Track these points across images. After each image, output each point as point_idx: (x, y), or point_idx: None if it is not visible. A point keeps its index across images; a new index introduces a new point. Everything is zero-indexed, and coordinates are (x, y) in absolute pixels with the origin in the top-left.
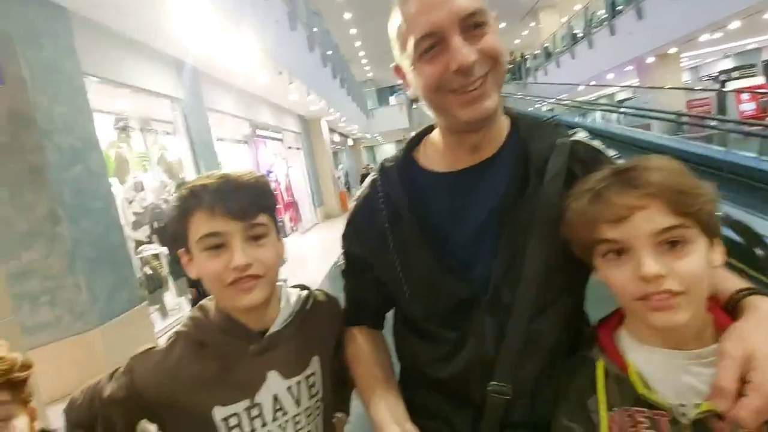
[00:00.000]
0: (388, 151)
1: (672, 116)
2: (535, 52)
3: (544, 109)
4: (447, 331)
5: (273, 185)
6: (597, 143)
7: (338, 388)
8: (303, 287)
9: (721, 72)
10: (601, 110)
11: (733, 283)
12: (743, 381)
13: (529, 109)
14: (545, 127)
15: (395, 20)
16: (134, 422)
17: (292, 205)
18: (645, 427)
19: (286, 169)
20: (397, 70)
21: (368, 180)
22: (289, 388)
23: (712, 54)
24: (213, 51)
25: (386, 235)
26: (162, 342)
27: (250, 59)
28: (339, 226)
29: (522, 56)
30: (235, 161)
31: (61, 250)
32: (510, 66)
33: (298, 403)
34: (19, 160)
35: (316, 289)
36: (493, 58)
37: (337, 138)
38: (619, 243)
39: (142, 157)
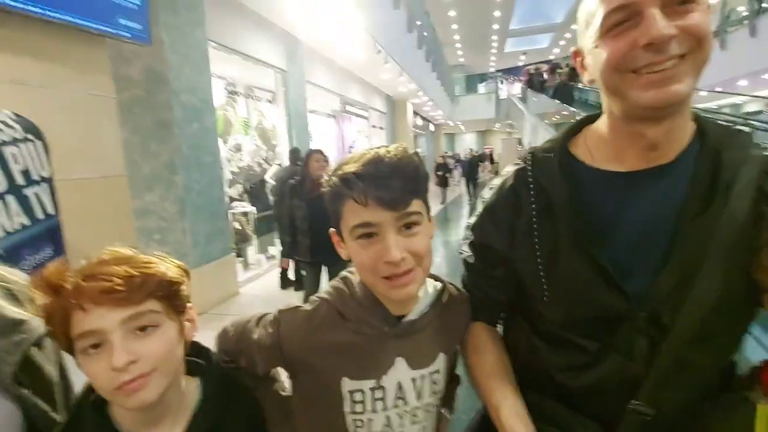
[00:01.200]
0: (468, 140)
1: None
2: None
3: None
4: (587, 341)
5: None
6: None
7: (447, 384)
8: (436, 278)
9: None
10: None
11: None
12: None
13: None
14: (736, 136)
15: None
16: (272, 367)
17: None
18: None
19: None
20: (576, 54)
21: (511, 168)
22: (413, 380)
23: None
24: (320, 26)
25: (532, 230)
26: (247, 291)
27: (352, 36)
28: None
29: None
30: (323, 133)
31: (174, 196)
32: None
33: (419, 396)
34: (151, 114)
35: (450, 283)
36: (696, 39)
37: (419, 122)
38: None
39: (244, 121)
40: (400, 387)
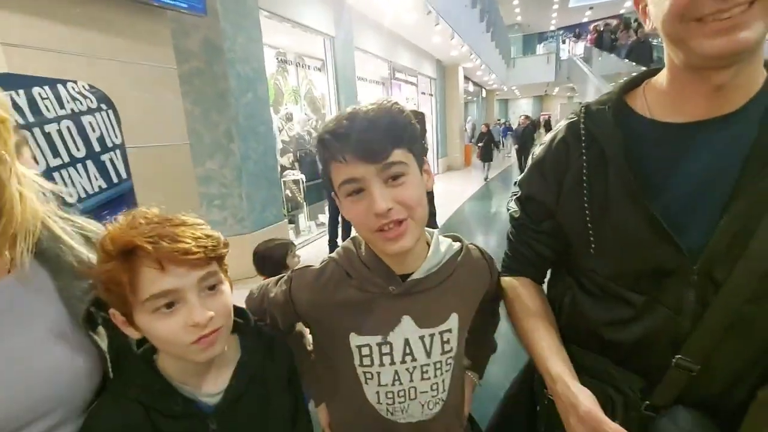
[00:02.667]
0: (524, 106)
1: None
2: None
3: None
4: (634, 294)
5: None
6: None
7: (478, 348)
8: (456, 238)
9: None
10: None
11: None
12: None
13: None
14: None
15: None
16: (290, 322)
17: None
18: None
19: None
20: (637, 1)
21: (564, 123)
22: (421, 338)
23: None
24: None
25: (581, 181)
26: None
27: None
28: (459, 179)
29: None
30: (372, 101)
31: (233, 164)
32: None
33: (428, 354)
34: (210, 85)
35: (471, 243)
36: None
37: (471, 87)
38: None
39: (294, 90)
40: (407, 344)
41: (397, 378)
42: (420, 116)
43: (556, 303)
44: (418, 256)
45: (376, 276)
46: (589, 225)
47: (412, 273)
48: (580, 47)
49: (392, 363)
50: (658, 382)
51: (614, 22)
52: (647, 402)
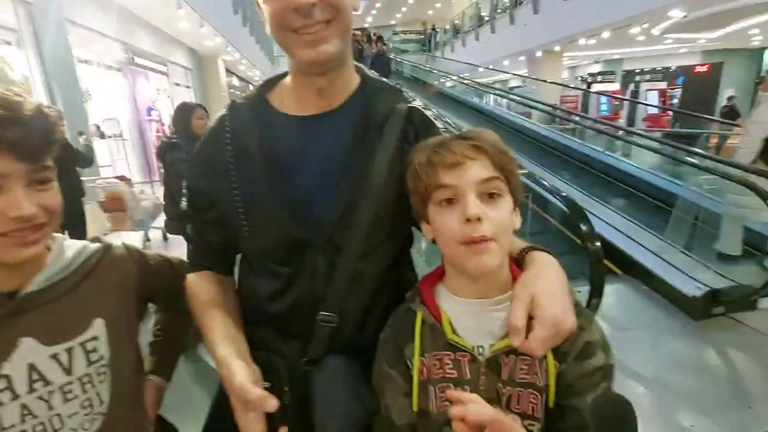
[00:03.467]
0: None
1: (548, 108)
2: (446, 27)
3: (448, 84)
4: (282, 267)
5: (156, 126)
6: (429, 113)
7: (160, 350)
8: (96, 240)
9: (589, 74)
10: (495, 94)
11: (520, 244)
12: (531, 319)
13: (435, 83)
14: (389, 90)
15: None
16: None
17: None
18: (449, 368)
19: (172, 109)
20: (258, 4)
21: (217, 115)
22: (54, 356)
23: (588, 57)
24: None
25: (230, 171)
26: None
27: None
28: None
29: (433, 28)
30: (107, 90)
31: None
32: (421, 37)
33: (69, 371)
34: None
35: (121, 243)
36: (335, 8)
37: (236, 82)
38: (451, 188)
39: None
40: (32, 369)
41: (27, 412)
42: None
43: (239, 286)
44: (32, 267)
45: None
46: (241, 211)
47: (21, 288)
48: None
49: (15, 398)
50: (312, 339)
51: (359, 33)
52: (305, 359)
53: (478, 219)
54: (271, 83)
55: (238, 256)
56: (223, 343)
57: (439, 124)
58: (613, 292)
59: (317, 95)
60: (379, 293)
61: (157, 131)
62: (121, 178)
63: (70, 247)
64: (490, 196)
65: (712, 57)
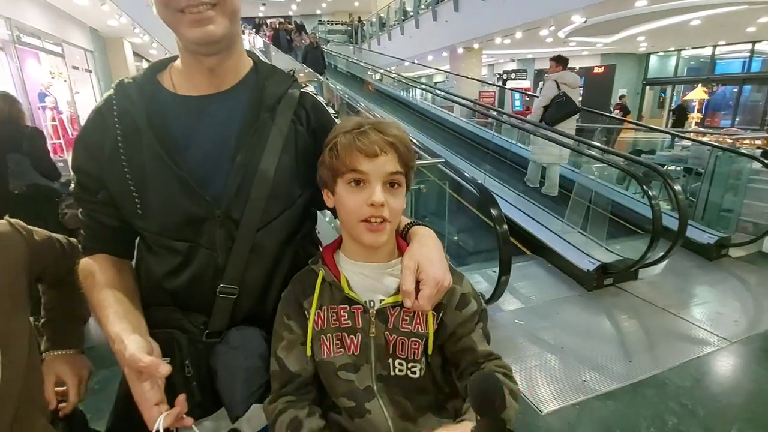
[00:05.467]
0: None
1: (469, 103)
2: (372, 19)
3: (376, 77)
4: (180, 243)
5: (51, 114)
6: (321, 98)
7: (64, 324)
8: None
9: (504, 72)
10: (420, 88)
11: (405, 220)
12: (418, 282)
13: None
14: (282, 75)
15: None
16: None
17: None
18: (345, 319)
19: (70, 96)
20: None
21: (105, 95)
22: None
23: (504, 56)
24: None
25: (119, 151)
26: None
27: None
28: None
29: (359, 20)
30: None
31: None
32: (348, 28)
33: None
34: None
35: (5, 219)
36: None
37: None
38: (363, 174)
39: None
40: None
41: None
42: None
43: (138, 268)
44: None
45: None
46: (133, 189)
47: None
48: (260, 41)
49: None
50: (213, 312)
51: (289, 24)
52: (207, 331)
53: (381, 205)
54: (162, 64)
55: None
56: (116, 320)
57: (329, 109)
58: (521, 269)
59: (208, 75)
60: (279, 265)
61: (53, 120)
62: None
63: None
64: (392, 185)
65: (608, 60)
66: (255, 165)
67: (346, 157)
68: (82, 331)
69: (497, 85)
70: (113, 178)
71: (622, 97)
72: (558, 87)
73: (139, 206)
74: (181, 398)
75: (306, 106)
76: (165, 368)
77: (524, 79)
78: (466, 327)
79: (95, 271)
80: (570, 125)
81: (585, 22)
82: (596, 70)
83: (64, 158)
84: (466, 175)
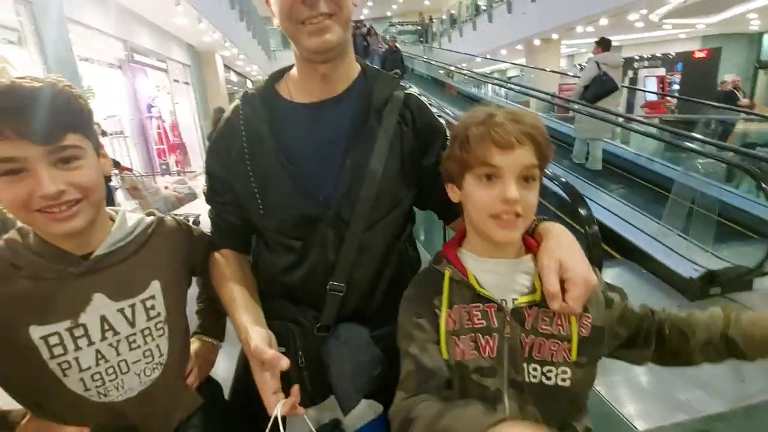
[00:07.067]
0: None
1: (546, 96)
2: (442, 17)
3: (450, 76)
4: (295, 241)
5: (157, 123)
6: (424, 99)
7: (211, 314)
8: (151, 213)
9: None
10: (493, 84)
11: None
12: (562, 282)
13: (432, 73)
14: (387, 78)
15: None
16: None
17: (180, 147)
18: (478, 318)
19: (171, 106)
20: (267, 1)
21: (232, 105)
22: (121, 310)
23: (587, 45)
24: None
25: (245, 156)
26: None
27: None
28: None
29: (430, 19)
30: (107, 88)
31: None
32: (418, 28)
33: (132, 324)
34: None
35: (171, 215)
36: (337, 3)
37: (234, 77)
38: (496, 168)
39: None
40: (104, 320)
41: (101, 357)
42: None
43: (256, 263)
44: (100, 233)
45: (50, 262)
46: (256, 191)
47: (93, 250)
48: None
49: (90, 344)
50: (324, 308)
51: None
52: (318, 325)
53: (516, 201)
54: (279, 74)
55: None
56: (242, 311)
57: (433, 109)
58: (612, 275)
59: (321, 82)
60: (384, 264)
61: (158, 128)
62: (126, 169)
63: (131, 218)
64: (526, 179)
65: (711, 42)
66: (363, 166)
67: (478, 150)
68: (224, 322)
69: (579, 77)
70: (240, 181)
71: (723, 83)
72: (599, 67)
73: (261, 206)
74: (296, 389)
75: (411, 108)
76: (285, 362)
77: None
78: (631, 315)
79: (222, 265)
80: (613, 102)
81: (684, 2)
82: (697, 54)
83: (166, 161)
84: (551, 173)
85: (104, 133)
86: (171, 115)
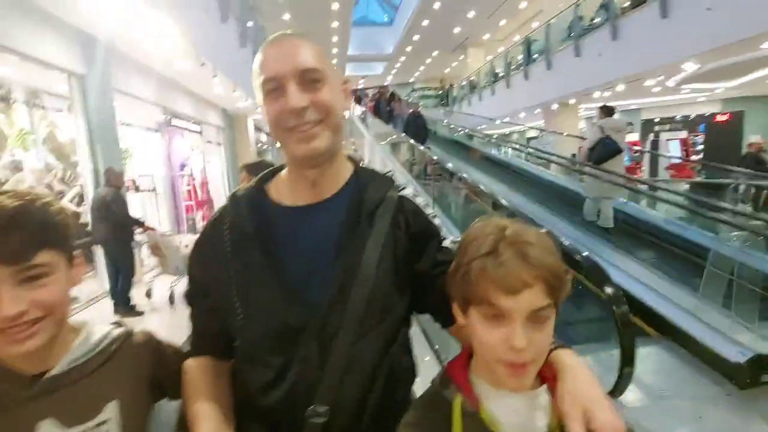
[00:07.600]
0: None
1: (563, 160)
2: (462, 83)
3: (472, 141)
4: (274, 357)
5: (187, 180)
6: (419, 200)
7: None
8: (119, 325)
9: None
10: (515, 149)
11: None
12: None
13: (455, 135)
14: (381, 179)
15: (255, 60)
16: None
17: (207, 203)
18: None
19: (202, 164)
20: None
21: (219, 207)
22: None
23: None
24: (128, 29)
25: (227, 260)
26: None
27: (169, 44)
28: None
29: (450, 85)
30: (145, 149)
31: None
32: (439, 93)
33: None
34: None
35: (141, 330)
36: (324, 110)
37: (264, 137)
38: (502, 311)
39: (25, 133)
40: None
41: None
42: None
43: (234, 377)
44: (58, 350)
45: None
46: (236, 299)
47: (48, 370)
48: (359, 109)
49: None
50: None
51: (386, 92)
52: None
53: (524, 349)
54: (270, 174)
55: None
56: (204, 426)
57: (428, 210)
58: (647, 356)
59: (310, 186)
60: (374, 381)
61: (188, 184)
62: (148, 228)
63: (96, 332)
64: (537, 319)
65: (732, 105)
66: (355, 270)
67: (481, 289)
68: None
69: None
70: (219, 287)
71: (750, 144)
72: (602, 131)
73: (240, 316)
74: None
75: (405, 211)
76: None
77: (631, 132)
78: None
79: (196, 376)
80: (617, 164)
81: (699, 69)
82: (719, 117)
83: (193, 217)
84: (567, 245)
85: (137, 189)
86: (201, 173)
